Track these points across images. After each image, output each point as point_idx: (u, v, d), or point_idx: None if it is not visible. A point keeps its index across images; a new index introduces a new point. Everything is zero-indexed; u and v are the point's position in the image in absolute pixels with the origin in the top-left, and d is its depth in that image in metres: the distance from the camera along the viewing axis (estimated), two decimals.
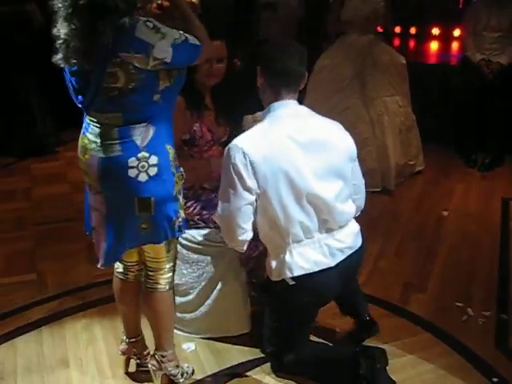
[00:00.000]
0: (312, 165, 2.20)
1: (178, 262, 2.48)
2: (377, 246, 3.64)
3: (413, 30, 8.16)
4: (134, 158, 2.02)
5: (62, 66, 2.00)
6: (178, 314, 2.70)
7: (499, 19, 4.96)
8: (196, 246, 2.67)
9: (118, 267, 2.42)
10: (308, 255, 2.24)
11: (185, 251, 2.68)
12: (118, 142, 2.02)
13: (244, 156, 2.14)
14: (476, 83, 5.03)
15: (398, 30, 7.93)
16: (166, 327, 2.39)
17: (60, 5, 1.91)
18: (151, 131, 2.04)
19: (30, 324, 2.90)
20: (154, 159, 2.04)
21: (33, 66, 5.23)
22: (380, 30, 4.97)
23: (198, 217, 2.68)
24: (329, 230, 2.28)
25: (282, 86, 2.23)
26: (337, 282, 2.32)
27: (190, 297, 2.70)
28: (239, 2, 5.09)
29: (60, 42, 1.94)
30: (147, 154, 2.03)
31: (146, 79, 1.96)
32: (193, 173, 2.54)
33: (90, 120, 2.09)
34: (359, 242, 2.38)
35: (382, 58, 4.52)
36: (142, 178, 2.03)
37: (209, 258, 2.67)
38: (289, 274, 2.24)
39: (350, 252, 2.32)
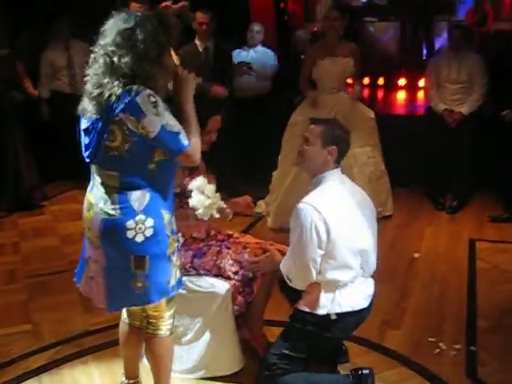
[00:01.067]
0: (361, 221, 2.63)
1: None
2: None
3: (381, 81, 8.60)
4: (131, 221, 2.20)
5: (81, 115, 2.27)
6: (175, 355, 2.87)
7: (459, 72, 5.38)
8: (187, 292, 2.87)
9: (124, 313, 2.61)
10: (354, 296, 2.62)
11: (176, 298, 2.87)
12: (117, 206, 2.21)
13: (319, 215, 2.48)
14: (440, 132, 5.40)
15: (366, 80, 8.35)
16: (165, 370, 2.56)
17: (92, 58, 2.19)
18: (147, 197, 2.22)
19: (29, 372, 3.05)
20: (150, 222, 2.21)
21: (21, 120, 5.49)
22: (349, 81, 5.31)
23: (189, 265, 2.89)
24: (366, 276, 2.70)
25: (340, 161, 2.69)
26: (358, 325, 2.71)
27: (186, 340, 2.89)
28: (216, 60, 5.39)
29: (85, 92, 2.22)
30: (144, 217, 2.21)
31: (139, 144, 2.14)
32: (183, 223, 2.79)
33: (94, 180, 2.30)
34: None
35: (352, 113, 4.82)
36: (139, 238, 2.21)
37: (199, 302, 2.88)
38: (338, 310, 2.57)
39: (370, 300, 2.71)
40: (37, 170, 5.75)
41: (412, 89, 8.15)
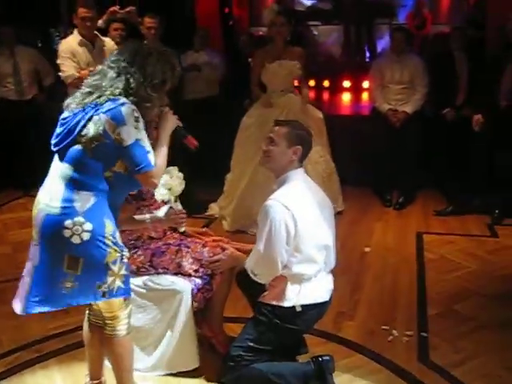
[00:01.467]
0: (323, 219, 2.74)
1: (132, 307, 2.68)
2: None
3: (326, 83, 8.81)
4: (70, 221, 2.25)
5: (63, 109, 2.37)
6: (136, 355, 2.90)
7: (401, 73, 5.59)
8: (147, 291, 2.92)
9: (88, 313, 2.64)
10: (317, 289, 2.72)
11: (138, 298, 2.92)
12: (60, 205, 2.27)
13: (288, 211, 2.58)
14: (385, 131, 5.60)
15: (312, 83, 8.53)
16: (126, 368, 2.59)
17: (104, 67, 2.37)
18: (91, 201, 2.29)
19: None
20: (88, 226, 2.27)
21: None
22: (296, 83, 5.45)
23: (148, 263, 2.94)
24: (327, 271, 2.81)
25: (303, 161, 2.81)
26: (321, 316, 2.81)
27: (148, 338, 2.93)
28: None
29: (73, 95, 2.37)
30: (83, 220, 2.26)
31: (107, 147, 2.25)
32: (140, 226, 2.90)
33: (50, 174, 2.37)
34: None
35: (302, 114, 4.92)
36: (75, 240, 2.26)
37: (160, 301, 2.93)
38: (303, 302, 2.66)
39: (331, 294, 2.82)
40: None
41: (356, 90, 8.40)
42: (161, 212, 2.89)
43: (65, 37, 5.14)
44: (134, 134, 2.26)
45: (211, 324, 3.11)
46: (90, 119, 2.26)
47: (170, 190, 2.85)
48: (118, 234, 2.39)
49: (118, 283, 2.38)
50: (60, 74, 4.67)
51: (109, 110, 2.24)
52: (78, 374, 2.97)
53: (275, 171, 2.79)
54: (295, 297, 2.67)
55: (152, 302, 2.93)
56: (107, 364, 2.74)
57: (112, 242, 2.34)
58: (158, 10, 5.49)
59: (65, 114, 2.36)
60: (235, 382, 2.75)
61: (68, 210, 2.26)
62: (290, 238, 2.60)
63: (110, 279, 2.35)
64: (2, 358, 3.20)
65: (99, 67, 2.41)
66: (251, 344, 2.72)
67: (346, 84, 8.60)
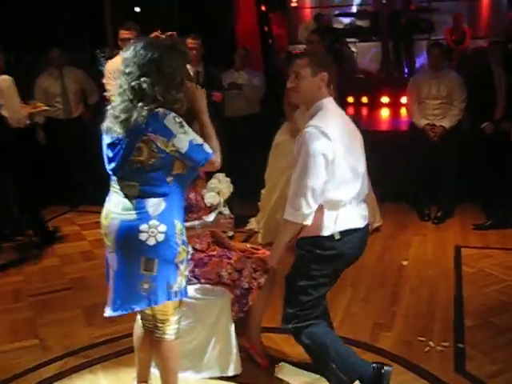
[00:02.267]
0: (356, 146, 2.72)
1: None
2: (346, 294, 4.06)
3: (364, 99, 8.86)
4: (145, 225, 2.39)
5: (105, 133, 2.47)
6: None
7: (439, 89, 5.63)
8: (190, 300, 3.04)
9: (138, 317, 2.78)
10: (353, 215, 2.72)
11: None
12: (134, 212, 2.41)
13: (326, 137, 2.55)
14: (423, 146, 5.64)
15: (350, 99, 8.61)
16: (172, 371, 2.71)
17: (119, 82, 2.41)
18: (163, 205, 2.42)
19: (41, 382, 3.18)
20: (162, 227, 2.41)
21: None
22: None
23: (191, 273, 3.07)
24: (360, 199, 2.77)
25: (331, 86, 2.76)
26: (364, 243, 2.82)
27: (192, 343, 3.05)
28: (207, 83, 5.61)
29: (111, 112, 2.41)
30: (157, 223, 2.40)
31: (163, 160, 2.38)
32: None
33: (113, 191, 2.50)
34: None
35: None
36: (151, 242, 2.40)
37: (202, 308, 3.05)
38: (340, 228, 2.66)
39: (367, 221, 2.81)
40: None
41: (395, 106, 8.42)
42: (210, 217, 2.96)
43: (110, 58, 5.36)
44: (186, 138, 2.36)
45: (249, 335, 3.21)
46: (139, 142, 2.35)
47: (218, 193, 2.94)
48: (184, 230, 2.53)
49: (184, 283, 2.54)
50: (105, 93, 4.89)
51: (154, 128, 2.33)
52: (123, 379, 3.13)
53: (306, 103, 2.76)
54: (333, 224, 2.67)
55: (194, 309, 3.05)
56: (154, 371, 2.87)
57: (181, 240, 2.49)
58: (199, 31, 5.68)
59: (108, 139, 2.46)
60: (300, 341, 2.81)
61: (143, 216, 2.40)
62: (327, 165, 2.58)
63: (179, 279, 2.50)
64: (52, 363, 3.37)
65: (118, 83, 2.42)
66: (301, 283, 2.72)
67: (385, 100, 8.63)
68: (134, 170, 2.41)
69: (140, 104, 2.34)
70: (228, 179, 2.99)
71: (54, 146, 6.34)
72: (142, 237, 2.40)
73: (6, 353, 3.51)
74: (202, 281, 3.08)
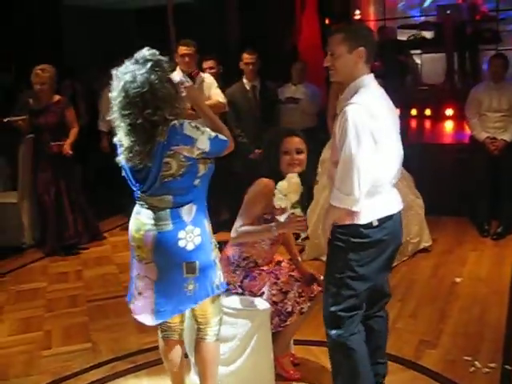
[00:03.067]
0: (395, 127, 2.63)
1: None
2: (394, 310, 3.99)
3: (428, 112, 8.71)
4: (183, 232, 2.51)
5: (124, 164, 2.53)
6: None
7: (499, 101, 5.49)
8: (232, 310, 3.09)
9: (160, 332, 2.85)
10: (389, 200, 2.64)
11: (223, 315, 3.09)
12: (170, 222, 2.51)
13: (371, 115, 2.45)
14: (484, 159, 5.49)
15: (414, 112, 8.49)
16: (211, 374, 2.78)
17: (122, 124, 2.46)
18: (194, 209, 2.54)
19: None
20: (197, 231, 2.53)
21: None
22: None
23: (238, 283, 3.12)
24: (393, 182, 2.68)
25: (370, 62, 2.61)
26: (399, 228, 2.71)
27: (226, 354, 3.10)
28: (263, 97, 5.69)
29: (123, 149, 2.49)
30: (192, 227, 2.52)
31: (191, 166, 2.48)
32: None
33: (142, 204, 2.58)
34: None
35: None
36: (190, 246, 2.52)
37: (242, 320, 3.09)
38: (378, 216, 2.55)
39: (401, 206, 2.71)
40: (85, 215, 5.90)
41: (459, 118, 8.20)
42: (282, 218, 2.93)
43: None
44: (205, 137, 2.47)
45: (275, 350, 3.20)
46: (165, 157, 2.42)
47: (286, 196, 2.86)
48: (210, 227, 2.65)
49: (222, 276, 2.69)
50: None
51: (176, 140, 2.42)
52: None
53: (345, 81, 2.61)
54: (371, 212, 2.54)
55: (235, 320, 3.09)
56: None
57: (212, 238, 2.64)
58: (260, 45, 5.78)
59: (131, 164, 2.49)
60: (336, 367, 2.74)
61: (179, 224, 2.51)
62: (375, 144, 2.46)
63: (218, 273, 2.64)
64: (100, 367, 3.52)
65: (126, 127, 2.44)
66: (340, 275, 2.58)
67: (449, 112, 8.45)
68: (164, 184, 2.48)
69: (156, 132, 2.42)
70: (298, 180, 2.84)
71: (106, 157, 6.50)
72: (182, 243, 2.50)
73: (59, 355, 3.69)
74: (246, 293, 3.13)
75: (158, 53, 2.51)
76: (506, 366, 3.27)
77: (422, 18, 10.11)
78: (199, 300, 2.59)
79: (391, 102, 2.67)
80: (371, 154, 2.44)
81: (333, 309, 2.64)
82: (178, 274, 2.53)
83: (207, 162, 2.56)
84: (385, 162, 2.54)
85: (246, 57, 5.54)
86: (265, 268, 3.22)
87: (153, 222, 2.53)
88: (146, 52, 2.48)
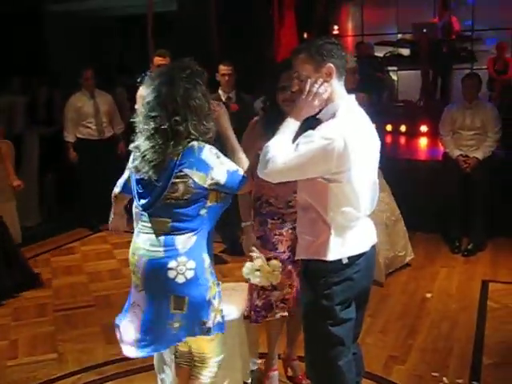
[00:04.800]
0: (373, 154, 2.42)
1: None
2: (364, 325, 3.86)
3: (403, 128, 8.79)
4: (174, 262, 2.30)
5: (133, 174, 2.39)
6: None
7: (473, 120, 5.56)
8: None
9: (174, 355, 2.70)
10: (361, 236, 2.42)
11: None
12: (162, 249, 2.32)
13: (344, 142, 2.19)
14: (456, 176, 5.56)
15: (389, 127, 8.55)
16: None
17: (145, 126, 2.30)
18: (192, 240, 2.33)
19: None
20: (191, 264, 2.31)
21: None
22: None
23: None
24: (368, 213, 2.46)
25: (343, 76, 2.36)
26: (373, 265, 2.54)
27: None
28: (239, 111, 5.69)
29: (138, 154, 2.32)
30: (186, 259, 2.31)
31: (198, 194, 2.29)
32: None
33: (142, 226, 2.41)
34: None
35: None
36: (180, 279, 2.30)
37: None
38: (351, 253, 2.35)
39: (375, 240, 2.51)
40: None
41: (434, 135, 8.30)
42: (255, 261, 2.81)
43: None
44: (223, 168, 2.29)
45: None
46: (174, 178, 2.25)
47: (258, 270, 2.79)
48: (212, 264, 2.44)
49: (218, 318, 2.44)
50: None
51: (191, 163, 2.25)
52: None
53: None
54: (340, 248, 2.35)
55: None
56: None
57: (211, 274, 2.40)
58: (237, 58, 5.78)
59: (139, 175, 2.34)
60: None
61: (171, 253, 2.31)
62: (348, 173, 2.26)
63: (212, 315, 2.39)
64: (66, 378, 3.46)
65: (145, 132, 2.30)
66: (316, 317, 2.40)
67: (423, 129, 8.54)
68: (166, 206, 2.31)
69: (172, 143, 2.25)
70: (277, 265, 2.80)
71: (84, 165, 6.40)
72: (171, 274, 2.30)
73: (24, 365, 3.63)
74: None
75: (197, 64, 2.37)
76: (474, 382, 3.29)
77: (399, 36, 10.25)
78: (182, 338, 2.39)
79: (372, 126, 2.46)
80: (345, 183, 2.29)
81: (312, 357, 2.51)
82: (165, 308, 2.33)
83: (221, 196, 2.37)
84: (358, 194, 2.34)
85: (222, 68, 5.53)
86: (283, 232, 2.95)
87: (147, 246, 2.36)
88: (186, 60, 2.36)
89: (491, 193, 5.51)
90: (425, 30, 8.62)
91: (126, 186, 2.55)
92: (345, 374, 2.46)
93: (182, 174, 2.26)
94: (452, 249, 5.55)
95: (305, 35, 9.37)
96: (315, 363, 2.52)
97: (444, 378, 3.32)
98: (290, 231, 2.91)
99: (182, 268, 2.30)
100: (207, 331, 2.38)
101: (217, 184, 2.29)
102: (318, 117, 2.40)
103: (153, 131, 2.28)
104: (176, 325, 2.34)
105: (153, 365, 3.11)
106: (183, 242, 2.32)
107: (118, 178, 2.61)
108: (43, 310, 4.48)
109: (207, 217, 2.36)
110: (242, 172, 2.36)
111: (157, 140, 2.27)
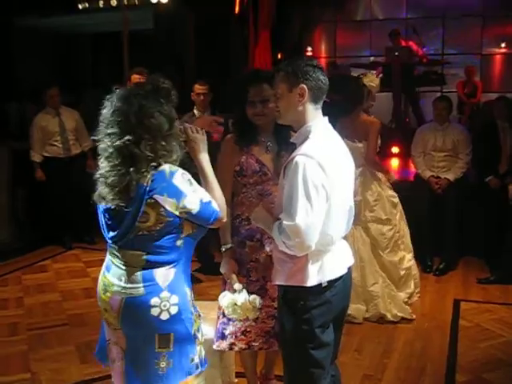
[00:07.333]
0: (347, 176, 2.45)
1: None
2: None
3: None
4: (156, 298, 2.15)
5: (98, 203, 2.20)
6: None
7: (444, 141, 5.69)
8: None
9: None
10: (338, 258, 2.45)
11: None
12: (141, 285, 2.16)
13: (322, 169, 2.24)
14: (427, 197, 5.67)
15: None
16: None
17: (102, 145, 2.16)
18: (172, 273, 2.19)
19: None
20: (174, 299, 2.17)
21: None
22: None
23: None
24: (343, 236, 2.51)
25: (321, 99, 2.39)
26: (350, 286, 2.56)
27: None
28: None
29: (98, 177, 2.16)
30: (169, 294, 2.16)
31: (172, 224, 2.14)
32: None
33: (113, 259, 2.24)
34: None
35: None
36: (164, 316, 2.15)
37: None
38: (329, 277, 2.37)
39: (352, 261, 2.55)
40: None
41: (405, 156, 8.45)
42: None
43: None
44: (196, 197, 2.15)
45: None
46: (144, 206, 2.10)
47: (236, 305, 2.74)
48: (192, 296, 2.31)
49: (203, 352, 2.32)
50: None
51: (161, 189, 2.10)
52: None
53: (293, 124, 2.45)
54: (318, 273, 2.36)
55: None
56: None
57: (193, 307, 2.28)
58: (213, 76, 5.82)
59: (105, 204, 2.18)
60: None
61: (152, 288, 2.16)
62: (326, 199, 2.28)
63: (198, 348, 2.28)
64: None
65: (102, 147, 2.16)
66: (296, 342, 2.40)
67: (395, 150, 8.69)
68: (139, 237, 2.15)
69: (132, 169, 2.09)
70: (255, 302, 2.75)
71: (53, 183, 6.34)
72: (154, 312, 2.16)
73: None
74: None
75: (169, 83, 2.22)
76: None
77: (372, 58, 10.44)
78: (174, 382, 2.22)
79: (347, 149, 2.49)
80: (323, 208, 2.29)
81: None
82: (150, 348, 2.18)
83: (195, 225, 2.22)
84: (334, 217, 2.35)
85: (198, 87, 5.57)
86: (260, 259, 2.88)
87: (122, 283, 2.19)
88: (157, 76, 2.21)
89: (462, 213, 5.62)
90: (397, 53, 8.80)
91: None
92: None
93: (152, 201, 2.10)
94: (424, 268, 5.62)
95: (278, 56, 9.48)
96: None
97: None
98: (268, 258, 2.83)
99: (166, 304, 2.17)
100: (196, 368, 2.26)
101: (188, 213, 2.15)
102: (291, 140, 2.50)
103: (110, 150, 2.13)
104: (163, 364, 2.19)
105: None
106: (163, 275, 2.18)
107: (88, 196, 2.32)
108: (15, 329, 4.41)
109: (184, 247, 2.23)
110: (215, 205, 2.22)
111: (114, 160, 2.12)
